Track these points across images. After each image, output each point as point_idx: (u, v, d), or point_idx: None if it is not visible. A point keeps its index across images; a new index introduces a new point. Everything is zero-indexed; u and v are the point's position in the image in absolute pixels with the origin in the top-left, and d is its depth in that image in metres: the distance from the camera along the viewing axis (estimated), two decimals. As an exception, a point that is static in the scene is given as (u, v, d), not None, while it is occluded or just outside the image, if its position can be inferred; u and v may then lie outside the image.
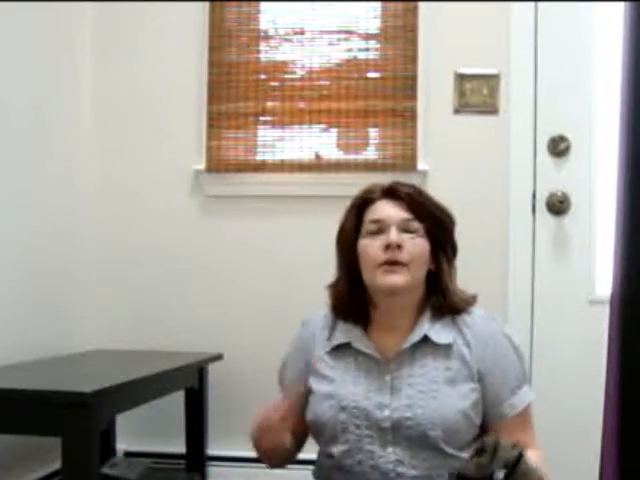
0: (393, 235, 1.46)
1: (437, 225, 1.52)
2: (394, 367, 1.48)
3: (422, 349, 1.48)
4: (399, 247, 1.46)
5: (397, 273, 1.46)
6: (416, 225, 1.49)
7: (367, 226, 1.51)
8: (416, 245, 1.48)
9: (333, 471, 1.48)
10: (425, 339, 1.48)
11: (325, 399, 1.48)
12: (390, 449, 1.43)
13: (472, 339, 1.48)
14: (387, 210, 1.50)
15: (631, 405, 1.61)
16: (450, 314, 1.51)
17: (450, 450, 1.41)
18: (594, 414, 1.83)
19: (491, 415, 1.48)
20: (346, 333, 1.53)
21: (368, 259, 1.49)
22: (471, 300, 1.54)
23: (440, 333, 1.49)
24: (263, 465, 1.63)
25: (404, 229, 1.48)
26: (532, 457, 1.36)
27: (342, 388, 1.48)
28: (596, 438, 1.78)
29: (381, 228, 1.48)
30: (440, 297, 1.51)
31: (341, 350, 1.53)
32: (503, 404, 1.47)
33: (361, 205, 1.54)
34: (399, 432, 1.42)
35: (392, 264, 1.46)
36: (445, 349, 1.48)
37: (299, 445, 1.59)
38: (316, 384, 1.52)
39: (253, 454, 1.63)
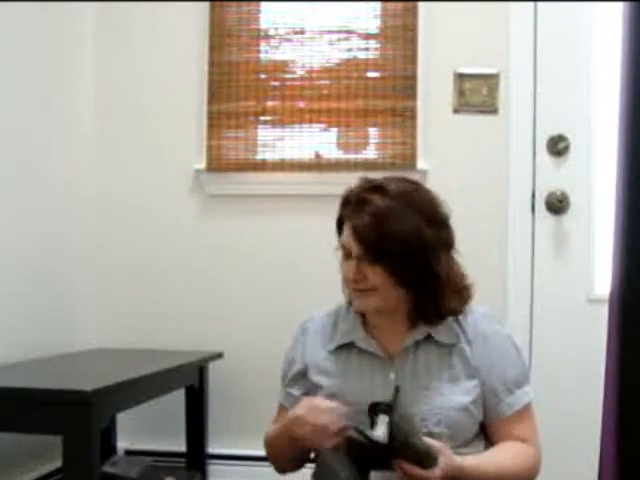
0: (350, 272, 1.45)
1: (397, 260, 1.42)
2: (398, 364, 1.48)
3: (425, 347, 1.49)
4: (361, 278, 1.45)
5: (366, 297, 1.47)
6: (372, 260, 1.44)
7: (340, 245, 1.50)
8: (377, 274, 1.44)
9: None
10: (428, 337, 1.49)
11: (329, 397, 1.48)
12: None
13: (473, 337, 1.49)
14: (349, 239, 1.45)
15: (630, 404, 1.61)
16: (450, 316, 1.50)
17: (452, 447, 1.42)
18: (593, 413, 1.83)
19: (489, 413, 1.49)
20: (348, 332, 1.54)
21: (343, 277, 1.51)
22: (467, 298, 1.51)
23: (443, 333, 1.49)
24: (263, 464, 1.63)
25: (365, 260, 1.44)
26: (511, 450, 1.44)
27: (346, 385, 1.49)
28: (595, 437, 1.78)
29: (347, 254, 1.47)
30: (434, 303, 1.47)
31: (343, 349, 1.54)
32: (500, 403, 1.48)
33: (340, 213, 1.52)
34: None
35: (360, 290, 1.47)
36: (448, 348, 1.48)
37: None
38: (321, 380, 1.52)
39: (253, 452, 1.63)
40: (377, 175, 1.53)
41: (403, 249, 1.41)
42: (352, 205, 1.46)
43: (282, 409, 1.60)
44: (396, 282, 1.44)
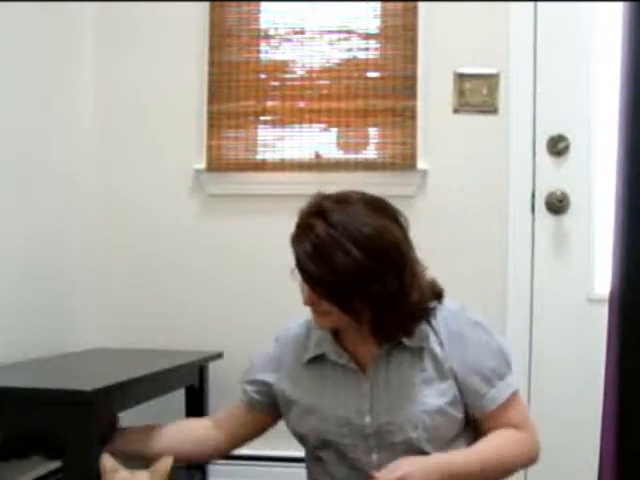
0: (303, 296, 1.47)
1: (338, 292, 1.41)
2: (371, 373, 1.48)
3: (397, 353, 1.47)
4: (315, 301, 1.45)
5: (323, 318, 1.47)
6: (315, 290, 1.44)
7: None
8: (323, 304, 1.45)
9: (321, 474, 1.49)
10: (399, 343, 1.47)
11: (307, 411, 1.49)
12: (375, 456, 1.44)
13: (444, 337, 1.47)
14: (297, 267, 1.47)
15: (630, 403, 1.62)
16: (416, 323, 1.47)
17: (432, 450, 1.42)
18: (593, 412, 1.84)
19: (474, 409, 1.47)
20: (319, 344, 1.53)
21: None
22: (430, 305, 1.48)
23: (413, 336, 1.47)
24: (263, 463, 1.65)
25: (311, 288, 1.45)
26: (502, 435, 1.45)
27: (322, 399, 1.49)
28: (595, 437, 1.78)
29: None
30: (392, 321, 1.45)
31: (317, 361, 1.53)
32: (483, 399, 1.46)
33: None
34: (382, 437, 1.43)
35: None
36: (419, 351, 1.47)
37: (234, 446, 1.65)
38: (297, 396, 1.52)
39: (253, 452, 1.64)
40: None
41: (342, 281, 1.39)
42: (298, 229, 1.48)
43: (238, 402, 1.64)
44: (342, 310, 1.42)
